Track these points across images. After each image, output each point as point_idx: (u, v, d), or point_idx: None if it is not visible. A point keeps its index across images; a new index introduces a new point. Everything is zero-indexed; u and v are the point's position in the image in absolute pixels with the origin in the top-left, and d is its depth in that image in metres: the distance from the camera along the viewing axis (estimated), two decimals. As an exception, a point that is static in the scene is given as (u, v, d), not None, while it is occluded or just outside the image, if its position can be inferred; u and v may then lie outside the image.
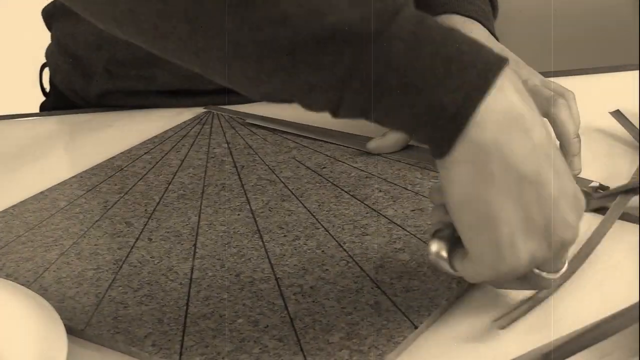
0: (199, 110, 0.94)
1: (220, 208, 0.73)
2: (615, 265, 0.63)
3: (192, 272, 0.64)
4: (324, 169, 0.79)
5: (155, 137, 0.88)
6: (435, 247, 0.55)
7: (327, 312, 0.58)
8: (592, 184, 0.72)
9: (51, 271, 0.65)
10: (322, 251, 0.66)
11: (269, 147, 0.84)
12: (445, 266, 0.55)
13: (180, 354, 0.55)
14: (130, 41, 0.55)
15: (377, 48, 0.49)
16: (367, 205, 0.72)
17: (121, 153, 0.85)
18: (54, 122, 0.98)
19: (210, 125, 0.90)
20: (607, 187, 0.72)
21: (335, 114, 0.53)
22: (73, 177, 0.80)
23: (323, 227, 0.69)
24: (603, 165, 0.75)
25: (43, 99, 1.11)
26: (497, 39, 0.82)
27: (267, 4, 0.49)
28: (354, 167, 0.78)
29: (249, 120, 0.90)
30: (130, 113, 0.96)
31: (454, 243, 0.55)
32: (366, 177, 0.77)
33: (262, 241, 0.67)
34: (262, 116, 0.90)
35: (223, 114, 0.92)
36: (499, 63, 0.50)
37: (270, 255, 0.65)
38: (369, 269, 0.63)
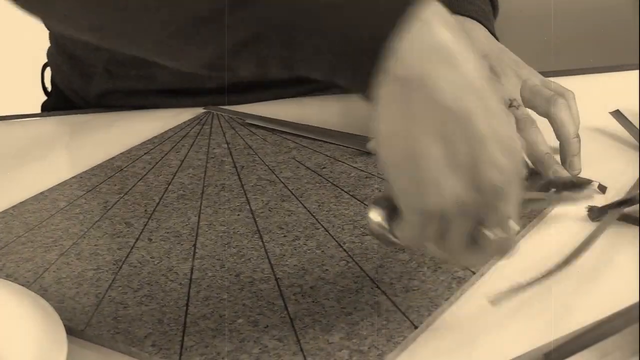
0: (199, 110, 0.94)
1: (220, 208, 0.73)
2: (615, 265, 0.63)
3: (192, 273, 0.64)
4: (323, 169, 0.79)
5: (155, 137, 0.88)
6: (373, 214, 0.54)
7: (327, 312, 0.58)
8: (592, 184, 0.72)
9: (51, 272, 0.65)
10: (322, 251, 0.66)
11: (269, 148, 0.84)
12: (387, 235, 0.54)
13: (180, 354, 0.55)
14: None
15: None
16: (366, 205, 0.72)
17: (121, 153, 0.84)
18: (53, 123, 0.98)
19: (210, 126, 0.90)
20: (606, 187, 0.72)
21: (264, 71, 0.51)
22: (73, 177, 0.80)
23: (323, 227, 0.69)
24: (603, 165, 0.75)
25: (44, 99, 1.11)
26: (497, 39, 0.82)
27: None
28: (354, 167, 0.78)
29: (248, 121, 0.90)
30: (130, 113, 0.96)
31: (394, 210, 0.53)
32: (366, 177, 0.77)
33: (262, 241, 0.67)
34: (262, 116, 0.90)
35: (223, 114, 0.92)
36: None
37: (270, 256, 0.65)
38: (369, 269, 0.63)
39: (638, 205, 0.68)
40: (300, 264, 0.64)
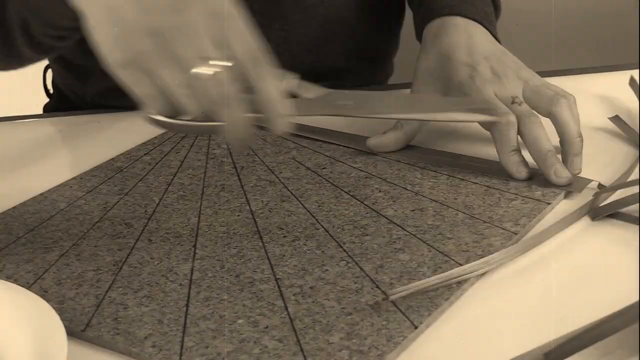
0: (199, 111, 0.94)
1: (219, 209, 0.73)
2: (615, 265, 0.63)
3: (192, 273, 0.64)
4: (323, 170, 0.79)
5: (155, 138, 0.88)
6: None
7: (327, 312, 0.58)
8: (592, 184, 0.73)
9: (51, 272, 0.65)
10: (322, 251, 0.66)
11: (269, 148, 0.84)
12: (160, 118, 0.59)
13: (181, 355, 0.55)
14: None
15: None
16: (366, 205, 0.72)
17: (121, 154, 0.84)
18: (53, 124, 0.98)
19: (210, 126, 0.89)
20: (605, 186, 0.72)
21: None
22: (73, 178, 0.80)
23: (323, 227, 0.69)
24: (603, 165, 0.75)
25: (46, 100, 1.11)
26: (499, 40, 0.82)
27: None
28: (354, 168, 0.78)
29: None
30: (130, 114, 0.95)
31: None
32: (366, 177, 0.77)
33: (262, 242, 0.67)
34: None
35: (223, 114, 0.92)
36: None
37: (270, 256, 0.65)
38: (369, 269, 0.63)
39: (638, 205, 0.68)
40: (300, 264, 0.64)
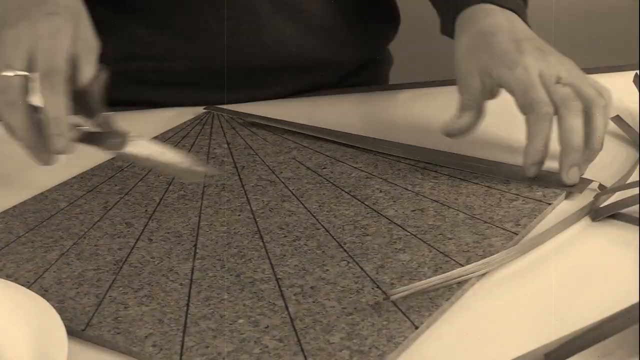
0: (199, 110, 0.94)
1: (220, 208, 0.73)
2: (615, 265, 0.63)
3: (192, 273, 0.64)
4: (324, 170, 0.79)
5: (156, 137, 0.88)
6: None
7: (328, 312, 0.58)
8: (592, 185, 0.73)
9: (51, 272, 0.65)
10: (323, 251, 0.66)
11: (269, 148, 0.84)
12: None
13: (181, 355, 0.55)
14: None
15: None
16: (367, 205, 0.72)
17: (121, 154, 0.84)
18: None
19: (211, 126, 0.90)
20: (605, 187, 0.72)
21: None
22: (73, 177, 0.80)
23: (323, 227, 0.69)
24: (603, 166, 0.75)
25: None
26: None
27: None
28: (355, 168, 0.78)
29: (250, 119, 0.90)
30: (130, 114, 0.96)
31: None
32: (366, 178, 0.77)
33: (263, 242, 0.67)
34: (263, 116, 0.90)
35: (223, 114, 0.92)
36: None
37: (270, 256, 0.65)
38: (370, 269, 0.63)
39: (638, 206, 0.68)
40: (300, 264, 0.64)
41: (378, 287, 0.61)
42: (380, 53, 1.09)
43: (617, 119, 0.82)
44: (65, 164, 0.84)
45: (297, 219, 0.70)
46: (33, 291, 0.59)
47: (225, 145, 0.85)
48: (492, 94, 0.76)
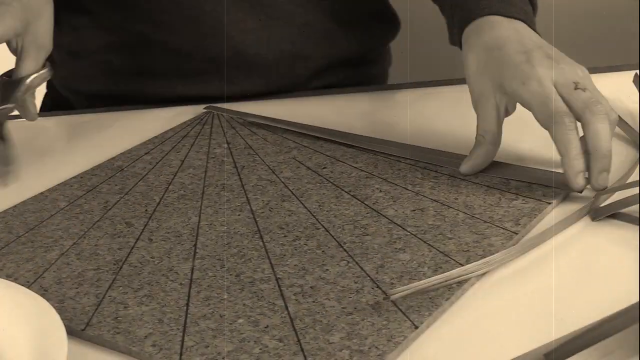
0: (199, 110, 0.94)
1: (220, 208, 0.73)
2: (615, 265, 0.63)
3: (192, 273, 0.64)
4: (324, 169, 0.79)
5: (156, 137, 0.88)
6: None
7: (328, 312, 0.58)
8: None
9: (51, 272, 0.65)
10: (323, 251, 0.66)
11: (269, 148, 0.84)
12: None
13: (181, 354, 0.55)
14: None
15: None
16: (367, 205, 0.72)
17: (121, 153, 0.85)
18: (53, 123, 0.98)
19: (211, 126, 0.90)
20: (606, 187, 0.71)
21: None
22: (73, 177, 0.80)
23: (323, 227, 0.69)
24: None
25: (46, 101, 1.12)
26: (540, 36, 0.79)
27: None
28: (355, 167, 0.78)
29: (250, 119, 0.90)
30: (130, 113, 0.96)
31: None
32: (366, 177, 0.77)
33: (263, 241, 0.67)
34: (263, 116, 0.90)
35: (223, 114, 0.92)
36: None
37: (270, 256, 0.65)
38: (370, 269, 0.63)
39: (638, 205, 0.68)
40: (300, 264, 0.64)
41: (378, 286, 0.60)
42: (374, 52, 1.08)
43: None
44: (65, 163, 0.84)
45: (297, 218, 0.70)
46: (33, 291, 0.59)
47: (225, 145, 0.85)
48: (508, 112, 0.75)
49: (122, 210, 0.74)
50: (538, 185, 0.72)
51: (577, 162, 0.69)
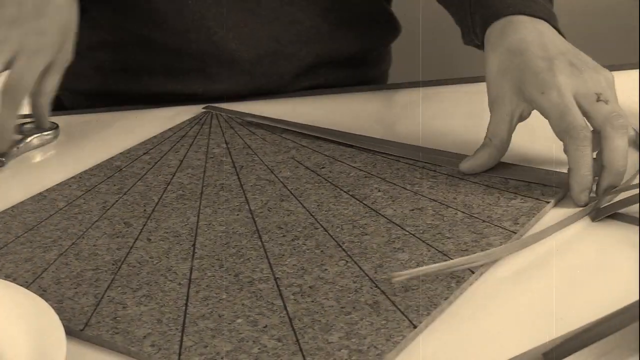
0: (198, 110, 0.94)
1: (219, 208, 0.73)
2: (615, 265, 0.63)
3: (191, 272, 0.64)
4: (322, 169, 0.79)
5: (154, 137, 0.88)
6: None
7: (326, 311, 0.58)
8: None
9: (50, 272, 0.65)
10: (321, 251, 0.65)
11: (268, 147, 0.84)
12: None
13: (179, 354, 0.55)
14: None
15: None
16: (366, 205, 0.72)
17: (120, 153, 0.84)
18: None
19: (209, 126, 0.89)
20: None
21: None
22: (72, 177, 0.80)
23: (322, 227, 0.69)
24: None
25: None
26: (563, 35, 0.79)
27: None
28: (353, 167, 0.78)
29: (248, 119, 0.90)
30: (129, 113, 0.96)
31: None
32: (365, 177, 0.76)
33: (261, 241, 0.67)
34: (262, 116, 0.90)
35: (222, 114, 0.92)
36: None
37: (269, 255, 0.65)
38: (368, 268, 0.63)
39: (638, 206, 0.67)
40: (299, 263, 0.64)
41: (377, 286, 0.60)
42: (369, 54, 1.07)
43: None
44: (64, 163, 0.84)
45: (296, 218, 0.70)
46: (31, 291, 0.59)
47: (224, 145, 0.85)
48: (522, 118, 0.74)
49: (121, 211, 0.74)
50: (537, 185, 0.72)
51: (586, 180, 0.69)
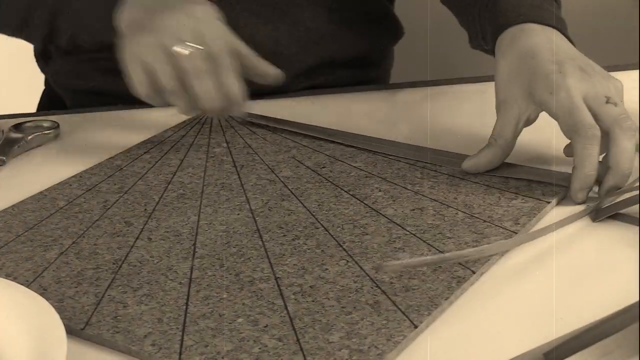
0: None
1: (219, 207, 0.73)
2: (615, 265, 0.63)
3: (191, 272, 0.64)
4: (323, 169, 0.79)
5: (155, 136, 0.88)
6: None
7: (327, 311, 0.58)
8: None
9: (50, 271, 0.65)
10: (322, 250, 0.65)
11: (269, 147, 0.84)
12: None
13: (180, 354, 0.55)
14: None
15: None
16: (366, 204, 0.72)
17: (121, 152, 0.84)
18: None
19: (210, 125, 0.89)
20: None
21: None
22: (72, 176, 0.80)
23: (323, 226, 0.69)
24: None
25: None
26: (572, 42, 0.79)
27: None
28: (354, 167, 0.78)
29: (248, 119, 0.90)
30: (129, 112, 0.96)
31: None
32: (366, 177, 0.76)
33: (262, 241, 0.67)
34: (262, 115, 0.90)
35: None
36: None
37: (269, 255, 0.65)
38: (369, 268, 0.63)
39: (638, 206, 0.68)
40: (300, 263, 0.64)
41: (377, 286, 0.60)
42: (371, 55, 1.06)
43: None
44: (64, 163, 0.84)
45: (297, 218, 0.70)
46: (32, 290, 0.59)
47: (225, 144, 0.85)
48: (529, 122, 0.75)
49: (122, 210, 0.74)
50: (538, 185, 0.72)
51: (588, 179, 0.69)
